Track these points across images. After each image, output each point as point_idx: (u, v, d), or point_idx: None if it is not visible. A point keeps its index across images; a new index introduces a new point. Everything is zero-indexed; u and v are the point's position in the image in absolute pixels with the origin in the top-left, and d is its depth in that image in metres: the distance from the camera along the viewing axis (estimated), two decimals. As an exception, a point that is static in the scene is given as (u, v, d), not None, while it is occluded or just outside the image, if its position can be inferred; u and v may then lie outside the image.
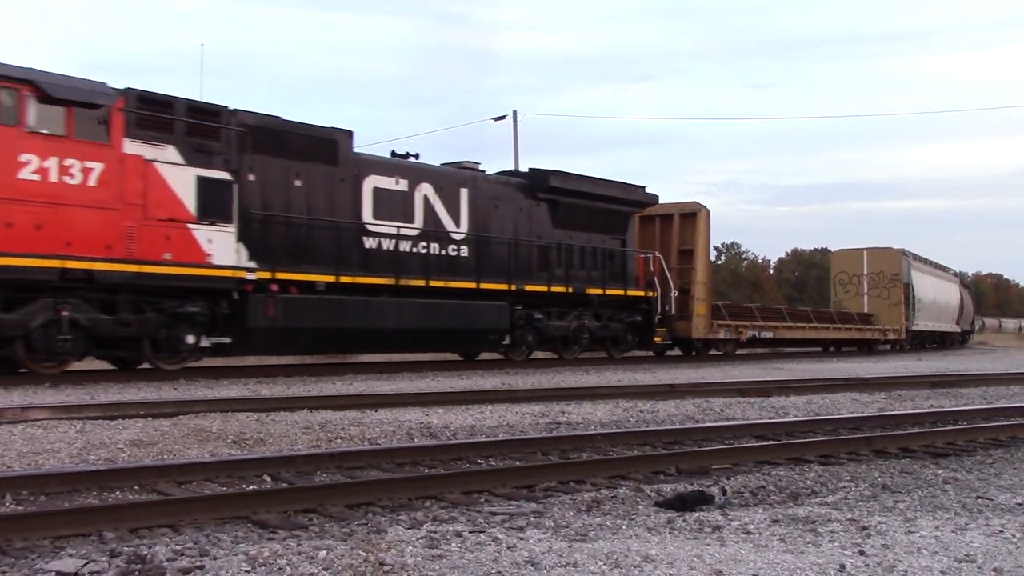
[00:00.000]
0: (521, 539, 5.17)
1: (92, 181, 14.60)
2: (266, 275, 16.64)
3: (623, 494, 6.73)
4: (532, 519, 5.84)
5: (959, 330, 46.21)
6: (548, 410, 11.49)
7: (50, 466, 7.07)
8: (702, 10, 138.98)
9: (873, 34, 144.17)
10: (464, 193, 20.38)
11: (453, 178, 20.52)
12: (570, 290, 22.03)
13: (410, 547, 4.86)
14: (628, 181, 23.89)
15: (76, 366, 15.39)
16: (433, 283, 19.32)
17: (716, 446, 9.03)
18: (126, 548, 4.74)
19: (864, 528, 5.70)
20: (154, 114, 15.37)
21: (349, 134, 18.47)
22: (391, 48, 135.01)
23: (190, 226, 15.73)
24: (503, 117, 33.37)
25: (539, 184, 21.96)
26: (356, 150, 18.72)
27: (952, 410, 12.92)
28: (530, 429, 10.03)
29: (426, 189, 19.66)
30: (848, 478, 7.75)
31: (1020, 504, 6.63)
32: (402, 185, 19.27)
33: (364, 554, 4.61)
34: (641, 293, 24.03)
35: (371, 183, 18.73)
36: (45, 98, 14.04)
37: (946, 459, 9.05)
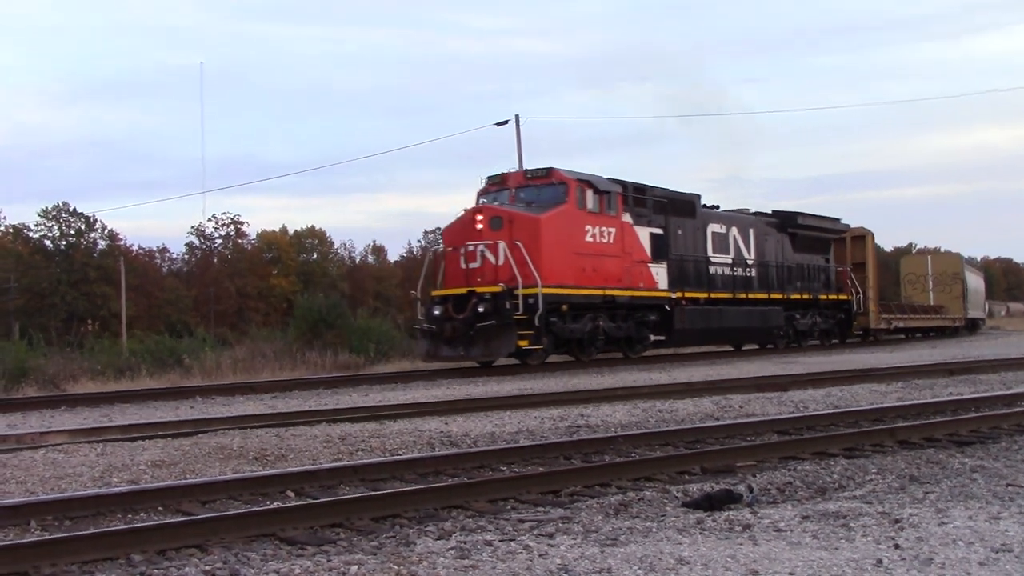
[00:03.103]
0: (552, 546, 5.13)
1: (611, 240, 22.32)
2: (679, 294, 24.14)
3: (650, 496, 6.68)
4: (561, 525, 5.79)
5: (983, 316, 50.87)
6: (567, 413, 11.44)
7: (73, 490, 7.05)
8: (690, 6, 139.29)
9: (867, 24, 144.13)
10: (751, 232, 27.88)
11: (745, 222, 28.00)
12: (807, 296, 29.94)
13: (441, 559, 4.82)
14: (831, 215, 32.72)
15: (89, 387, 15.35)
16: (752, 295, 27.16)
17: (739, 444, 8.97)
18: (155, 571, 4.71)
19: (897, 521, 5.64)
20: (634, 196, 23.31)
21: (699, 196, 26.12)
22: (385, 57, 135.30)
23: (649, 265, 23.43)
24: (506, 122, 33.32)
25: (787, 222, 29.75)
26: (703, 203, 26.37)
27: (972, 397, 12.83)
28: (550, 434, 9.98)
29: (735, 231, 27.13)
30: (875, 470, 7.69)
31: (1051, 491, 6.56)
32: (723, 229, 26.74)
33: (396, 567, 4.57)
34: (845, 297, 32.30)
35: (711, 229, 26.19)
36: (595, 191, 21.98)
37: (971, 447, 8.97)
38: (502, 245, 20.31)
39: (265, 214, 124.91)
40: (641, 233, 23.25)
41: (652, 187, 24.19)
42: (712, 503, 6.39)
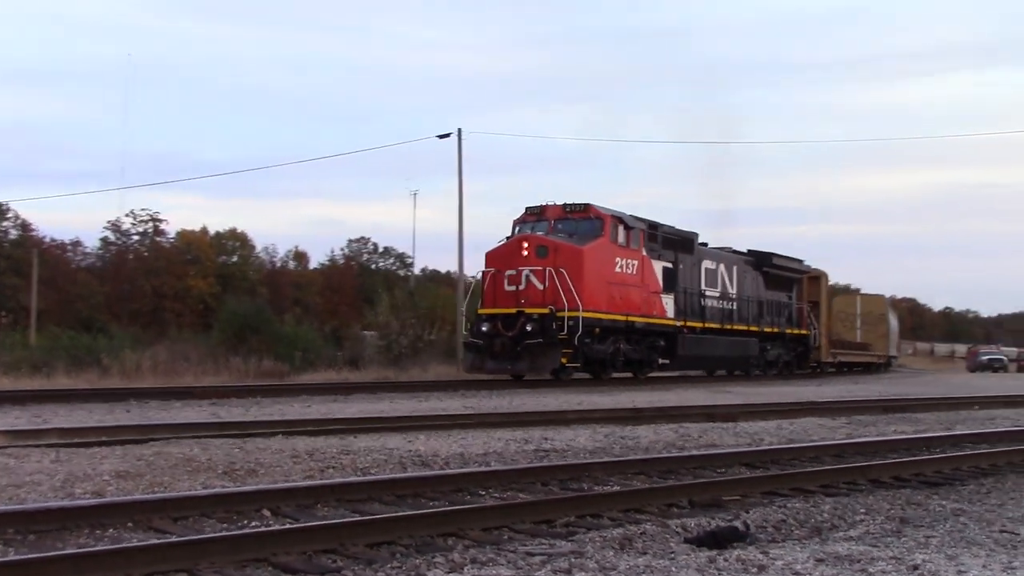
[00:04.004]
0: (575, 584, 4.87)
1: (634, 271, 24.84)
2: (682, 323, 26.64)
3: (651, 530, 6.47)
4: (573, 560, 5.53)
5: (897, 354, 52.53)
6: (529, 436, 11.20)
7: (33, 500, 6.53)
8: (626, 35, 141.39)
9: (795, 64, 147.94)
10: (735, 269, 30.29)
11: (730, 259, 30.50)
12: (776, 330, 32.57)
13: (468, 596, 4.53)
14: (798, 257, 35.55)
15: (4, 384, 14.58)
16: (735, 327, 29.62)
17: (717, 477, 8.84)
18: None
19: (915, 567, 5.54)
20: (654, 232, 25.84)
21: (696, 234, 28.51)
22: (322, 64, 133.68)
23: (661, 295, 25.85)
24: (448, 135, 33.09)
25: (762, 261, 32.29)
26: (703, 243, 29.00)
27: (922, 437, 12.98)
28: (519, 457, 9.73)
29: (722, 267, 29.55)
30: (863, 510, 7.62)
31: (1048, 538, 6.56)
32: (714, 265, 29.08)
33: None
34: (805, 332, 34.93)
35: (704, 265, 28.52)
36: (625, 227, 24.61)
37: (941, 488, 9.00)
38: (548, 271, 22.46)
39: (186, 213, 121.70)
40: (656, 266, 25.83)
41: (663, 225, 26.70)
42: (717, 540, 6.20)
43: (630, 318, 24.39)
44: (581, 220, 23.93)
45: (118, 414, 12.50)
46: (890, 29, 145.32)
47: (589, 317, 22.43)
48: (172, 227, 62.31)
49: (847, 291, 58.22)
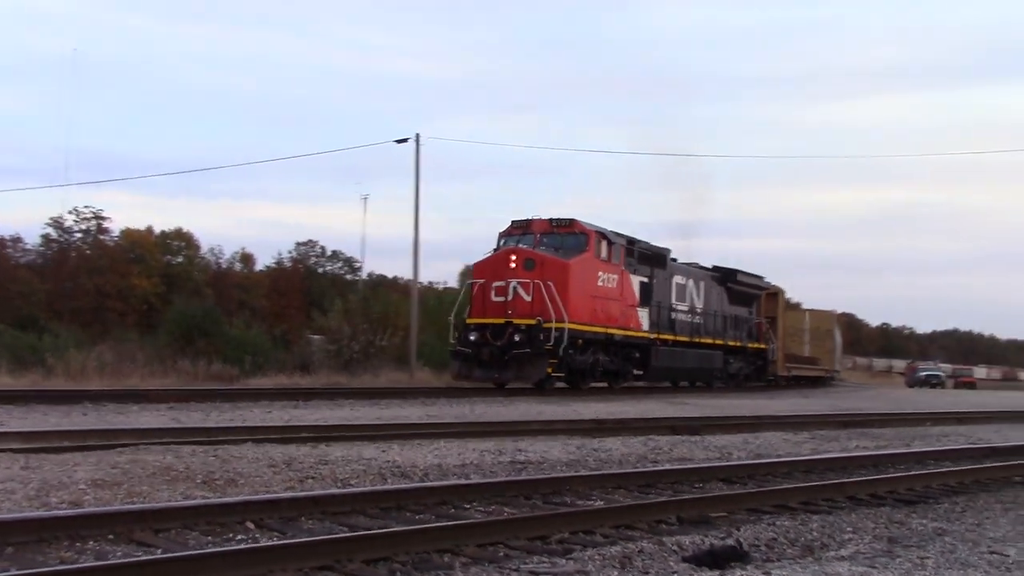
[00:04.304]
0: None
1: (614, 285, 25.41)
2: (655, 336, 27.35)
3: (648, 548, 6.38)
4: (579, 579, 5.43)
5: (840, 368, 53.56)
6: (503, 447, 11.07)
7: (8, 509, 6.25)
8: (569, 46, 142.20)
9: (738, 78, 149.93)
10: (702, 284, 31.17)
11: (698, 275, 31.28)
12: (738, 344, 33.47)
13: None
14: (759, 274, 36.36)
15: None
16: (702, 340, 30.39)
17: (707, 493, 8.80)
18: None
19: (920, 590, 5.53)
20: (630, 248, 26.43)
21: (669, 250, 29.38)
22: (270, 65, 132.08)
23: (637, 309, 26.59)
24: (405, 140, 32.81)
25: (727, 277, 33.17)
26: (673, 258, 29.65)
27: (887, 454, 13.10)
28: (498, 469, 9.60)
29: (691, 283, 30.42)
30: (849, 529, 7.63)
31: (1038, 560, 6.61)
32: (684, 280, 29.95)
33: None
34: (764, 346, 35.84)
35: (675, 280, 29.35)
36: (608, 242, 25.26)
37: (917, 506, 9.05)
38: (534, 283, 23.20)
39: (131, 212, 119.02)
40: (634, 281, 26.56)
41: (639, 240, 27.43)
42: (716, 559, 6.14)
43: (609, 330, 25.13)
44: (566, 235, 24.71)
45: (75, 417, 12.11)
46: (836, 47, 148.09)
47: (574, 329, 23.15)
48: (116, 226, 61.09)
49: (794, 307, 59.16)
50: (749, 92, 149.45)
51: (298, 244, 73.28)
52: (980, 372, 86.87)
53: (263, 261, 72.23)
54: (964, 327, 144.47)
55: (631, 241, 26.81)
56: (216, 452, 8.84)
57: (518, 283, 23.45)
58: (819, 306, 55.22)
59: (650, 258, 27.78)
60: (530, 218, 25.39)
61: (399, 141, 32.82)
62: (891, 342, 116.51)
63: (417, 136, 32.79)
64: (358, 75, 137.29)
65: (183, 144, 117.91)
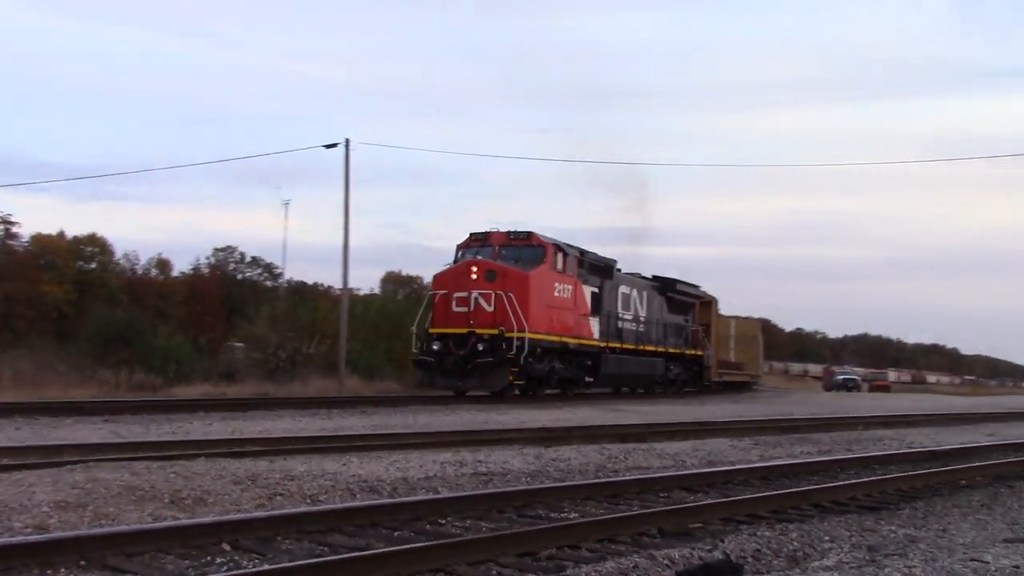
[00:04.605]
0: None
1: (568, 295, 26.17)
2: (605, 344, 28.08)
3: (642, 564, 6.27)
4: (584, 598, 5.29)
5: (759, 374, 53.47)
6: (462, 458, 10.86)
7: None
8: (482, 53, 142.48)
9: (653, 89, 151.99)
10: (644, 294, 32.00)
11: (642, 284, 32.18)
12: (677, 351, 34.12)
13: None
14: (696, 283, 37.66)
15: None
16: (645, 348, 31.23)
17: (684, 504, 8.74)
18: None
19: (919, 601, 5.52)
20: (581, 259, 27.02)
21: (616, 261, 30.03)
22: (181, 67, 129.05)
23: (588, 318, 27.34)
24: (335, 145, 32.22)
25: (667, 287, 34.11)
26: (618, 268, 30.14)
27: (836, 459, 13.26)
28: (464, 482, 9.42)
29: (635, 292, 31.17)
30: (826, 538, 7.64)
31: (1018, 567, 6.69)
32: (629, 290, 30.71)
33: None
34: (700, 353, 36.37)
35: (621, 290, 30.06)
36: (563, 255, 25.94)
37: (882, 513, 9.13)
38: (496, 294, 23.84)
39: (41, 216, 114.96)
40: (586, 291, 27.31)
41: (590, 252, 28.19)
42: (711, 574, 6.07)
43: (564, 339, 25.95)
44: (524, 247, 25.46)
45: (10, 432, 11.53)
46: (754, 60, 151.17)
47: (533, 338, 23.92)
48: (25, 230, 59.02)
49: (739, 318, 60.00)
50: (662, 102, 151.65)
51: (216, 250, 71.64)
52: (891, 376, 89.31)
53: (180, 267, 70.44)
54: (873, 332, 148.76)
55: (582, 252, 27.51)
56: (174, 468, 8.46)
57: (479, 294, 24.07)
58: (734, 312, 56.03)
59: (600, 269, 28.51)
60: (488, 230, 26.09)
61: (328, 146, 32.22)
62: (804, 347, 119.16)
63: (347, 141, 32.30)
64: (272, 80, 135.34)
65: (96, 147, 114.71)
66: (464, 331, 23.88)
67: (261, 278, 72.05)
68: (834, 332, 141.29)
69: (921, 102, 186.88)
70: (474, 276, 24.32)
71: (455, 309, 24.31)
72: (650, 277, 34.34)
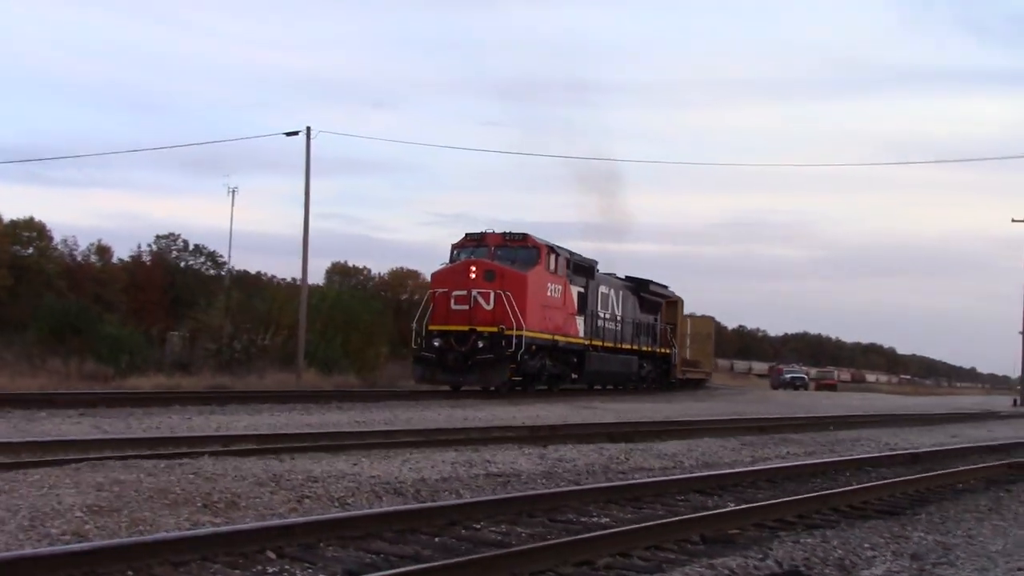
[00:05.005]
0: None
1: (558, 295, 27.16)
2: (589, 342, 29.17)
3: (707, 574, 6.10)
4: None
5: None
6: (469, 459, 10.62)
7: (8, 544, 5.45)
8: (436, 45, 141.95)
9: (604, 84, 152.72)
10: (621, 294, 32.88)
11: (618, 285, 33.13)
12: (649, 349, 35.25)
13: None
14: (664, 283, 38.62)
15: None
16: (622, 346, 32.30)
17: (717, 510, 8.62)
18: None
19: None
20: (570, 260, 27.99)
21: (597, 262, 30.90)
22: (123, 51, 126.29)
23: (575, 317, 28.36)
24: (296, 133, 31.65)
25: (640, 287, 35.09)
26: (598, 269, 31.04)
27: (832, 461, 13.25)
28: (481, 483, 9.18)
29: (612, 292, 32.03)
30: (867, 545, 7.55)
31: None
32: (607, 290, 31.59)
33: None
34: (667, 351, 37.66)
35: (600, 290, 30.90)
36: (556, 256, 26.98)
37: (901, 517, 9.08)
38: (495, 293, 24.64)
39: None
40: (573, 291, 28.29)
41: (577, 254, 29.21)
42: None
43: (555, 337, 26.97)
44: (519, 248, 26.40)
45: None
46: (715, 57, 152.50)
47: (529, 336, 24.93)
48: (-40, 214, 57.16)
49: (695, 316, 60.58)
50: (618, 99, 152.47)
51: (158, 237, 70.08)
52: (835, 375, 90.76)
53: (121, 254, 68.77)
54: (813, 331, 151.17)
55: (571, 254, 28.56)
56: (185, 467, 8.07)
57: (479, 293, 24.88)
58: (687, 311, 56.26)
59: (585, 269, 29.52)
60: (484, 231, 27.08)
61: (289, 134, 31.68)
62: (747, 344, 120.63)
63: (308, 129, 31.78)
64: (225, 67, 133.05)
65: (34, 130, 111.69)
66: (465, 328, 24.62)
67: (204, 267, 70.73)
68: (774, 331, 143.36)
69: (868, 103, 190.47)
70: (473, 275, 25.05)
71: (455, 307, 25.01)
72: (623, 277, 35.11)
